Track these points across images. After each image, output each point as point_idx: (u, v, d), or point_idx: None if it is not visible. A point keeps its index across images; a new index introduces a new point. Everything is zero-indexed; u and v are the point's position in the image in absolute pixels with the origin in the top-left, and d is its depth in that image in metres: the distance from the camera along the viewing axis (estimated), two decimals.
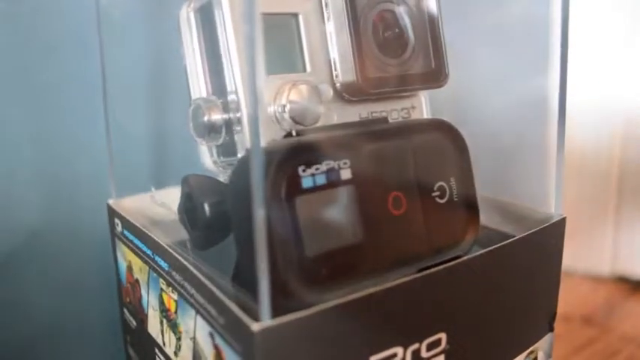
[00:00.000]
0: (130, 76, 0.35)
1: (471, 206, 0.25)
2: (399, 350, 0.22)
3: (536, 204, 0.29)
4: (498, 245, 0.24)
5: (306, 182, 0.21)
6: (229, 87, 0.24)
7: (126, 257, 0.30)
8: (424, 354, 0.23)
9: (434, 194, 0.24)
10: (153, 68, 0.35)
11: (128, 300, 0.31)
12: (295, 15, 0.25)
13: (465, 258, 0.24)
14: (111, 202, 0.32)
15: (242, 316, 0.19)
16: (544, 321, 0.29)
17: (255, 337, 0.18)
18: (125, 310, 0.32)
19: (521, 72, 0.75)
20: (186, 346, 0.24)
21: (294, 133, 0.23)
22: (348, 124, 0.24)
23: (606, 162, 0.77)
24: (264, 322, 0.19)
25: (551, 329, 0.29)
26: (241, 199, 0.20)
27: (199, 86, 0.27)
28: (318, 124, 0.25)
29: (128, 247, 0.29)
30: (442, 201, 0.25)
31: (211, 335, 0.22)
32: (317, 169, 0.21)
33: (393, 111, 0.28)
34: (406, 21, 0.27)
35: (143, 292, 0.28)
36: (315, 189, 0.21)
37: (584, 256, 0.81)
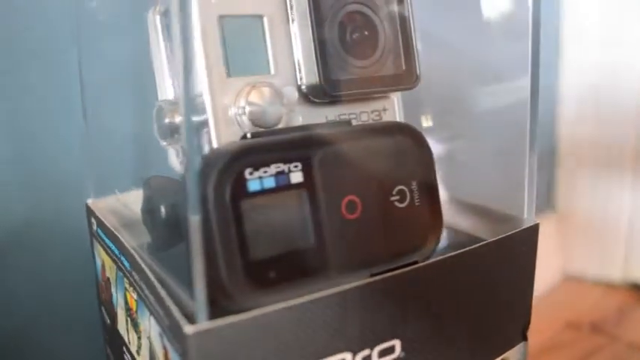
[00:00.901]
0: (110, 77, 0.36)
1: (433, 211, 0.25)
2: (348, 356, 0.22)
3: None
4: (459, 252, 0.24)
5: (253, 185, 0.21)
6: (176, 89, 0.25)
7: (100, 255, 0.31)
8: None
9: (392, 198, 0.24)
10: (133, 69, 0.36)
11: (103, 297, 0.32)
12: (260, 17, 0.25)
13: (422, 264, 0.23)
14: (90, 201, 0.32)
15: (179, 318, 0.19)
16: (516, 329, 0.28)
17: (189, 339, 0.18)
18: (102, 308, 0.33)
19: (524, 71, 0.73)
20: (145, 345, 0.25)
21: (248, 135, 0.23)
22: (306, 127, 0.24)
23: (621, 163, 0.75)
24: (199, 324, 0.19)
25: (525, 338, 0.28)
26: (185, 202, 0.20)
27: (165, 88, 0.27)
28: (283, 126, 0.25)
29: (101, 245, 0.30)
30: (402, 205, 0.24)
31: (161, 335, 0.22)
32: (265, 172, 0.21)
33: (363, 113, 0.28)
34: (376, 22, 0.27)
35: (113, 290, 0.29)
36: (262, 192, 0.21)
37: (595, 261, 0.79)
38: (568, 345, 0.64)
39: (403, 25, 0.28)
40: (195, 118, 0.25)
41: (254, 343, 0.19)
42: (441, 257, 0.23)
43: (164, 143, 0.26)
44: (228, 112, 0.24)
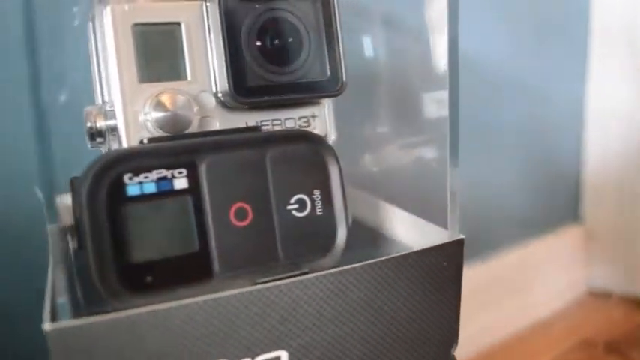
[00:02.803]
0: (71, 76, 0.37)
1: (339, 222, 0.25)
2: None
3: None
4: (357, 265, 0.23)
5: (132, 190, 0.21)
6: (105, 94, 0.26)
7: None
8: None
9: (290, 207, 0.24)
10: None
11: None
12: (178, 24, 0.26)
13: (310, 275, 0.23)
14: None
15: (46, 314, 0.20)
16: (440, 348, 0.27)
17: (48, 335, 0.19)
18: None
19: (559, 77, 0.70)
20: None
21: (145, 141, 0.24)
22: (205, 133, 0.24)
23: None
24: (59, 322, 0.19)
25: (450, 358, 0.27)
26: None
27: (97, 92, 0.28)
28: (194, 132, 0.25)
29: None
30: (301, 214, 0.24)
31: None
32: (146, 177, 0.22)
33: (288, 120, 0.28)
34: (299, 29, 0.27)
35: None
36: (143, 197, 0.21)
37: (621, 277, 0.74)
38: None
39: (329, 31, 0.27)
40: (108, 123, 0.26)
41: (117, 344, 0.20)
42: (333, 270, 0.23)
43: (89, 146, 0.27)
44: (139, 118, 0.25)
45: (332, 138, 0.29)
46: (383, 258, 0.24)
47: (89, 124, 0.26)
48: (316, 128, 0.29)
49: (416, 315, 0.26)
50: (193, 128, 0.25)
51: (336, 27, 0.27)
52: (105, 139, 0.26)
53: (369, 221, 0.32)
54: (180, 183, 0.22)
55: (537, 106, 0.68)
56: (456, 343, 0.28)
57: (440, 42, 0.27)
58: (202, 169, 0.22)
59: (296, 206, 0.24)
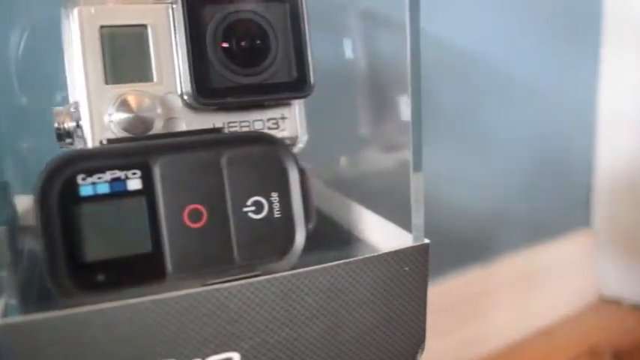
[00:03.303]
0: None
1: (297, 224, 0.24)
2: None
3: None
4: (311, 269, 0.23)
5: (85, 190, 0.22)
6: (72, 95, 0.26)
7: None
8: None
9: (246, 209, 0.24)
10: None
11: None
12: (144, 26, 0.26)
13: (265, 277, 0.23)
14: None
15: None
16: (405, 355, 0.27)
17: None
18: None
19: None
20: None
21: (104, 142, 0.24)
22: (162, 135, 0.25)
23: None
24: (8, 318, 0.20)
25: None
26: None
27: (69, 93, 0.29)
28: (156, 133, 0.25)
29: None
30: (258, 216, 0.24)
31: None
32: (99, 178, 0.22)
33: (257, 121, 0.28)
34: (266, 31, 0.27)
35: None
36: (96, 197, 0.22)
37: (633, 284, 0.72)
38: None
39: (296, 33, 0.27)
40: (75, 123, 0.26)
41: (65, 342, 0.20)
42: (286, 273, 0.23)
43: (60, 146, 0.28)
44: (104, 119, 0.25)
45: (302, 139, 0.29)
46: (337, 262, 0.24)
47: (57, 125, 0.27)
48: (286, 130, 0.29)
49: (377, 320, 0.25)
50: (158, 129, 0.26)
51: (304, 29, 0.27)
52: (73, 140, 0.27)
53: (344, 222, 0.32)
54: (134, 184, 0.22)
55: (547, 107, 0.66)
56: (422, 349, 0.27)
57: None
58: (156, 170, 0.23)
59: (252, 208, 0.24)
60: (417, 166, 0.25)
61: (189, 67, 0.25)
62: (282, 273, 0.23)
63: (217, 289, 0.22)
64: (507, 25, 0.61)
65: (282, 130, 0.29)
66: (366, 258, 0.24)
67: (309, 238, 0.25)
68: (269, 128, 0.28)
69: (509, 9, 0.61)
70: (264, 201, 0.24)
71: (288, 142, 0.29)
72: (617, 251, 0.71)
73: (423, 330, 0.27)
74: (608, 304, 0.71)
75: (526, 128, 0.66)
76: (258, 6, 0.27)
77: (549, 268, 0.69)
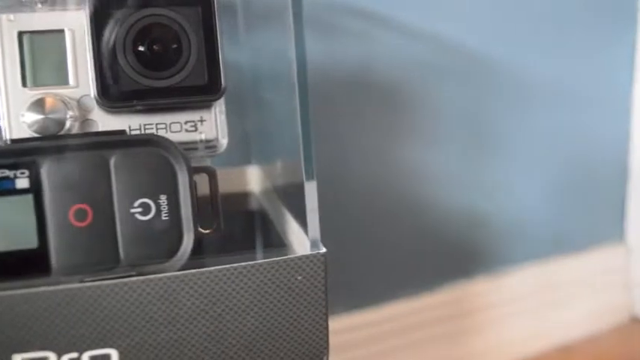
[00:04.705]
0: None
1: (185, 227, 0.25)
2: (51, 355, 0.23)
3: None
4: (187, 272, 0.23)
5: None
6: None
7: None
8: None
9: (133, 210, 0.24)
10: None
11: None
12: (61, 31, 0.27)
13: (140, 278, 0.23)
14: None
15: None
16: None
17: None
18: None
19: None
20: None
21: (8, 142, 0.25)
22: (53, 136, 0.25)
23: None
24: None
25: None
26: None
27: None
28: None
29: None
30: (145, 218, 0.24)
31: None
32: None
33: (174, 124, 0.28)
34: (177, 34, 0.27)
35: None
36: None
37: None
38: None
39: (208, 37, 0.27)
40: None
41: None
42: (161, 275, 0.23)
43: None
44: (20, 121, 0.27)
45: (222, 142, 0.29)
46: (218, 267, 0.24)
47: None
48: (203, 133, 0.29)
49: (268, 328, 0.25)
50: (74, 131, 0.27)
51: (217, 32, 0.27)
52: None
53: (278, 227, 0.32)
54: (22, 182, 0.23)
55: (575, 111, 0.62)
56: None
57: None
58: (43, 169, 0.24)
59: (140, 210, 0.24)
60: (310, 175, 0.25)
61: (95, 70, 0.26)
62: (158, 275, 0.23)
63: (90, 287, 0.23)
64: (523, 21, 0.57)
65: (200, 132, 0.29)
66: (250, 265, 0.24)
67: (200, 241, 0.25)
68: (186, 130, 0.29)
69: (525, 3, 0.57)
70: (151, 203, 0.24)
71: (206, 144, 0.29)
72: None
73: (324, 341, 0.26)
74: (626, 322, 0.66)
75: (548, 132, 0.62)
76: (169, 10, 0.27)
77: (573, 282, 0.64)
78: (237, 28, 0.39)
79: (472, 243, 0.61)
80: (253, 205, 0.40)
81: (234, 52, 0.38)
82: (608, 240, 0.67)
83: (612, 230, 0.67)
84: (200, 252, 0.29)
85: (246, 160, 0.43)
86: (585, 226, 0.65)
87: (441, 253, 0.60)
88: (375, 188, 0.56)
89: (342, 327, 0.53)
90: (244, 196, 0.40)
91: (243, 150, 0.44)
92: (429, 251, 0.59)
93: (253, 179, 0.42)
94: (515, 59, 0.57)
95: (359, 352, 0.54)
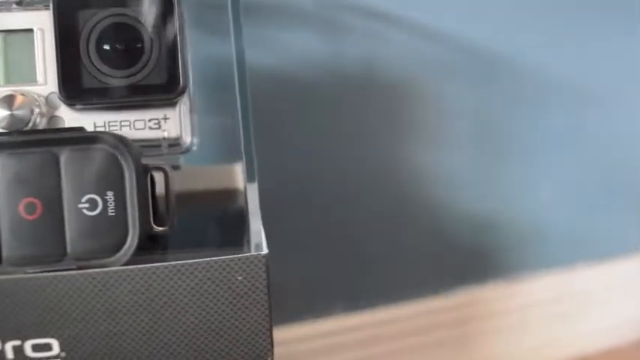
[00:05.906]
0: None
1: (130, 224, 0.25)
2: None
3: None
4: (124, 268, 0.24)
5: None
6: None
7: None
8: (30, 353, 0.24)
9: (81, 205, 0.25)
10: None
11: None
12: (30, 30, 0.28)
13: (78, 272, 0.24)
14: None
15: None
16: None
17: None
18: None
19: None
20: None
21: None
22: (18, 132, 0.26)
23: None
24: None
25: None
26: None
27: None
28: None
29: None
30: (91, 214, 0.25)
31: None
32: None
33: (138, 121, 0.29)
34: (139, 33, 0.28)
35: None
36: None
37: None
38: None
39: (170, 36, 0.28)
40: None
41: None
42: (99, 270, 0.24)
43: None
44: None
45: (187, 140, 0.30)
46: (154, 265, 0.24)
47: None
48: (167, 130, 0.29)
49: (207, 326, 0.25)
50: (40, 127, 0.28)
51: (179, 31, 0.28)
52: None
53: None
54: None
55: (595, 110, 0.59)
56: None
57: None
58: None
59: (87, 205, 0.25)
60: (251, 177, 0.25)
61: (58, 67, 0.27)
62: (96, 269, 0.24)
63: (31, 278, 0.24)
64: (536, 16, 0.54)
65: (164, 130, 0.29)
66: (189, 263, 0.24)
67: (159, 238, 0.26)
68: (150, 128, 0.29)
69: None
70: (98, 199, 0.25)
71: (169, 142, 0.29)
72: None
73: (268, 342, 0.26)
74: None
75: (566, 132, 0.59)
76: (131, 9, 0.28)
77: (595, 292, 0.61)
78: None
79: (486, 247, 0.59)
80: (239, 202, 0.40)
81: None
82: (630, 247, 0.63)
83: (635, 237, 0.63)
84: (162, 248, 0.30)
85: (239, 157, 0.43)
86: (605, 232, 0.61)
87: (453, 256, 0.59)
88: (387, 189, 0.55)
89: (343, 327, 0.53)
90: (232, 193, 0.41)
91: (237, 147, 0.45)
92: (441, 254, 0.57)
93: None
94: (528, 56, 0.54)
95: (363, 352, 0.54)
